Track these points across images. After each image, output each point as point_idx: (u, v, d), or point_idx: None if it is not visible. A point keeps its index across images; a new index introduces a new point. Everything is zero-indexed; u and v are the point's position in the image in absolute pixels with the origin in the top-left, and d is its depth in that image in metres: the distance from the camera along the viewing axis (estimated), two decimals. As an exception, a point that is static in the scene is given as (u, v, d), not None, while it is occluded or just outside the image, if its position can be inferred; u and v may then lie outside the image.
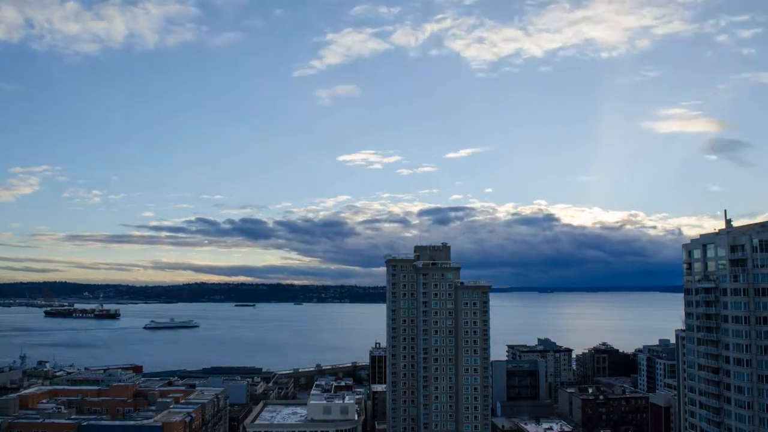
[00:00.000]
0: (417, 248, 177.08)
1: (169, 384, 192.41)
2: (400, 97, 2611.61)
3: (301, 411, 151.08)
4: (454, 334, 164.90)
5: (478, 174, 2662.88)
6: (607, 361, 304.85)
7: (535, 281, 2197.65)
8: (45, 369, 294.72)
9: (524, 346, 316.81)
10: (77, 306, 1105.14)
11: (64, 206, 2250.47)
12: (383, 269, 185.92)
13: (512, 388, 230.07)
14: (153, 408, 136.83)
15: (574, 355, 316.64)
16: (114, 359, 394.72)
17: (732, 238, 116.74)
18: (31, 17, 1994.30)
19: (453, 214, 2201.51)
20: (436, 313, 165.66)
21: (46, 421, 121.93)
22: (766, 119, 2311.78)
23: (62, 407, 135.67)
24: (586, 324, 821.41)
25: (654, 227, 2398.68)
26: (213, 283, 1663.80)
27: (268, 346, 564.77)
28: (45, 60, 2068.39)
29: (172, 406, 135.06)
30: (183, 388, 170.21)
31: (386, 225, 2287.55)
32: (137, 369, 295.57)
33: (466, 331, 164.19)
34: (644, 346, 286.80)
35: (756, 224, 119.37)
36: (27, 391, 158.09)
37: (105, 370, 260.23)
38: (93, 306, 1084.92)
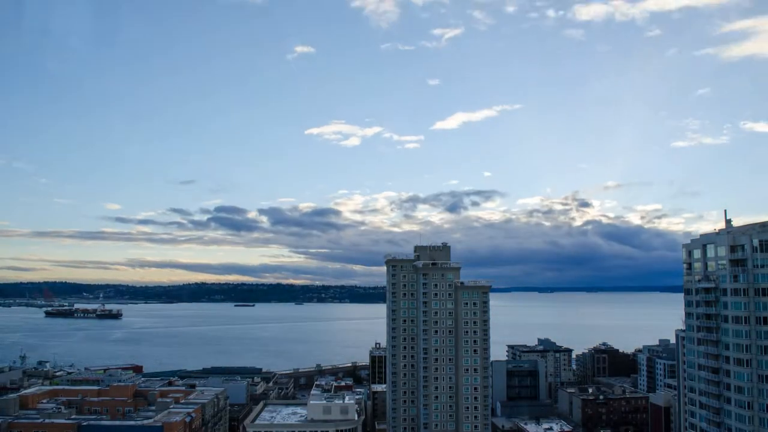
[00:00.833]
0: (417, 248, 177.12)
1: (169, 384, 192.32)
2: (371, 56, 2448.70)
3: (301, 411, 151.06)
4: (454, 334, 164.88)
5: (473, 151, 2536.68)
6: (607, 361, 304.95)
7: (534, 281, 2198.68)
8: (45, 369, 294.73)
9: (524, 346, 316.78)
10: (78, 306, 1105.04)
11: (17, 198, 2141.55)
12: (382, 268, 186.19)
13: (512, 388, 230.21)
14: (153, 408, 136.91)
15: (574, 355, 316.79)
16: (115, 359, 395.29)
17: (732, 238, 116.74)
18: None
19: (446, 215, 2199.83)
20: (436, 313, 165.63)
21: (46, 421, 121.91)
22: None
23: (62, 407, 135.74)
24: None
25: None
26: (213, 283, 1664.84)
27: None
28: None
29: (172, 406, 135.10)
30: (183, 388, 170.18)
31: (375, 219, 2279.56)
32: (137, 369, 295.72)
33: (466, 331, 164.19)
34: (644, 346, 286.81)
35: (756, 224, 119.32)
36: (27, 391, 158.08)
37: (105, 370, 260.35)
38: (93, 306, 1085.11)
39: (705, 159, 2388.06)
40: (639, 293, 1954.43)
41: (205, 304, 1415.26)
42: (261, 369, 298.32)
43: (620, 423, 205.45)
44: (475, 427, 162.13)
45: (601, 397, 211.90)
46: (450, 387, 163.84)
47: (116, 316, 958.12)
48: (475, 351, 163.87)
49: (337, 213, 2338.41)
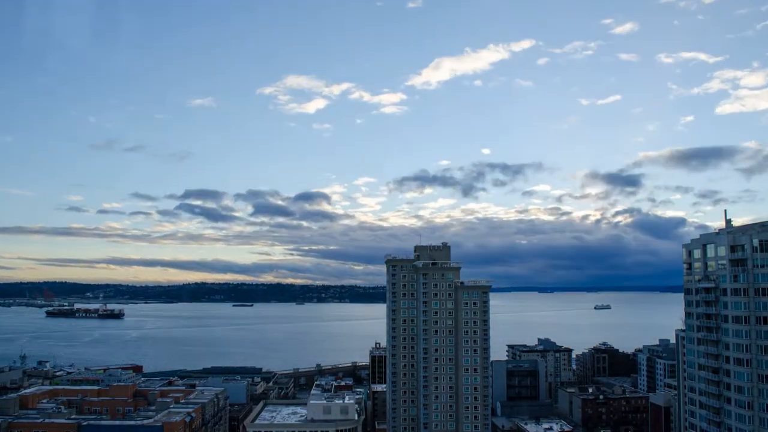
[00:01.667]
0: (417, 248, 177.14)
1: (169, 384, 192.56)
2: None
3: (301, 411, 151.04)
4: (454, 334, 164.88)
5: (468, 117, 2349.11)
6: (607, 361, 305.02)
7: (534, 281, 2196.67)
8: (45, 369, 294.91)
9: (524, 346, 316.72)
10: (78, 306, 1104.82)
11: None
12: (382, 267, 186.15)
13: (512, 388, 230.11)
14: (153, 408, 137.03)
15: (574, 355, 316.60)
16: (115, 359, 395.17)
17: (732, 237, 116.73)
18: None
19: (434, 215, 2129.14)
20: (436, 313, 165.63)
21: (46, 421, 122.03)
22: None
23: (62, 407, 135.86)
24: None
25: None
26: (213, 283, 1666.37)
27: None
28: None
29: (172, 406, 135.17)
30: (183, 388, 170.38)
31: (364, 208, 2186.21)
32: (137, 369, 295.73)
33: (466, 331, 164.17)
34: (644, 346, 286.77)
35: (756, 224, 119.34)
36: (27, 391, 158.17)
37: (105, 370, 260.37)
38: (94, 306, 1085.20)
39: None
40: (640, 293, 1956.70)
41: (205, 304, 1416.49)
42: (261, 369, 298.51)
43: (620, 423, 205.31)
44: (475, 427, 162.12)
45: (601, 397, 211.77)
46: (450, 387, 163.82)
47: (118, 316, 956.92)
48: (475, 351, 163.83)
49: (324, 197, 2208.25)
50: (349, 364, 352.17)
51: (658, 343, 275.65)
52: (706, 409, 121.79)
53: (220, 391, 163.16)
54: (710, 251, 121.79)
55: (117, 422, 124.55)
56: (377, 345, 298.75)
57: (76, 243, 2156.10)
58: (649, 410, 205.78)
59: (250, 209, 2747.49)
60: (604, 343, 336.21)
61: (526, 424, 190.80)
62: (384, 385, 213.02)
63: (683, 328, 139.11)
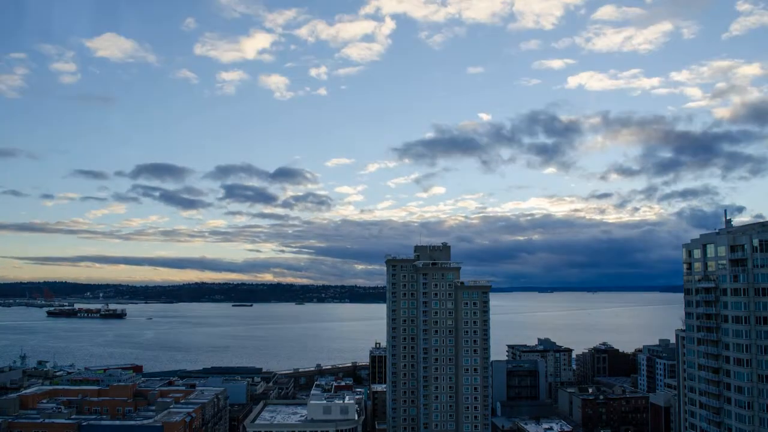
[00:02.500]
0: (417, 248, 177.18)
1: (169, 384, 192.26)
2: None
3: (301, 411, 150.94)
4: (454, 334, 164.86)
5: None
6: (607, 361, 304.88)
7: (532, 281, 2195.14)
8: (45, 369, 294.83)
9: (524, 346, 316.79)
10: (78, 306, 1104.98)
11: None
12: (381, 267, 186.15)
13: (512, 388, 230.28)
14: (153, 408, 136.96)
15: (574, 355, 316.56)
16: (115, 358, 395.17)
17: (732, 238, 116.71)
18: None
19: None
20: (436, 313, 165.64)
21: (46, 421, 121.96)
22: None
23: (62, 407, 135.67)
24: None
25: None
26: (213, 283, 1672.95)
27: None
28: None
29: (172, 406, 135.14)
30: (183, 388, 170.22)
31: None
32: (137, 369, 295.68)
33: (466, 331, 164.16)
34: (644, 346, 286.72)
35: (756, 224, 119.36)
36: (27, 391, 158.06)
37: (105, 370, 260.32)
38: (95, 306, 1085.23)
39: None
40: (640, 293, 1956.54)
41: (205, 304, 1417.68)
42: (261, 369, 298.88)
43: (620, 423, 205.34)
44: (475, 427, 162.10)
45: (601, 397, 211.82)
46: (450, 387, 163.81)
47: (121, 315, 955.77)
48: (475, 351, 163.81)
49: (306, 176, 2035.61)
50: (349, 364, 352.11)
51: (658, 343, 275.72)
52: (706, 409, 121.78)
53: (220, 391, 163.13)
54: (710, 251, 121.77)
55: (117, 422, 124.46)
56: (377, 345, 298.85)
57: (45, 239, 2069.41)
58: (649, 410, 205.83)
59: (221, 193, 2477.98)
60: (604, 343, 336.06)
61: (526, 424, 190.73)
62: (384, 385, 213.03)
63: (683, 328, 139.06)
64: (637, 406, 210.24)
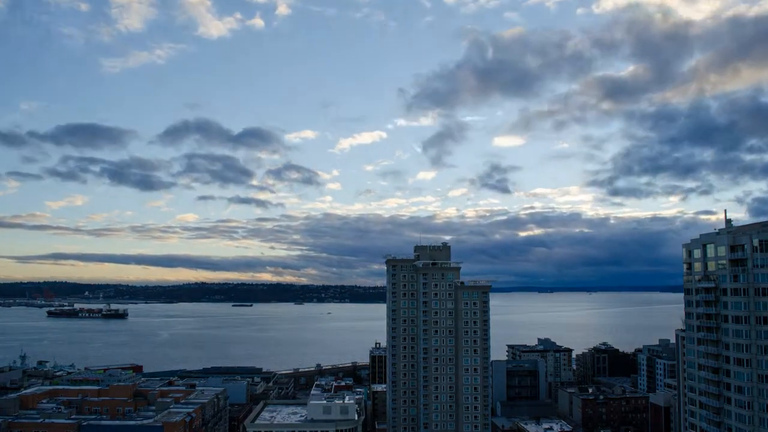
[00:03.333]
0: (417, 248, 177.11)
1: (169, 384, 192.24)
2: None
3: (301, 411, 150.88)
4: (454, 334, 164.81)
5: None
6: (607, 361, 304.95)
7: (533, 281, 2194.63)
8: (45, 369, 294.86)
9: (524, 346, 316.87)
10: (78, 306, 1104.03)
11: None
12: (381, 266, 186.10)
13: (512, 388, 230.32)
14: (153, 408, 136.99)
15: (574, 355, 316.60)
16: (115, 358, 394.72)
17: (732, 237, 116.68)
18: None
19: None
20: (436, 313, 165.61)
21: (46, 421, 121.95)
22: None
23: (62, 407, 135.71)
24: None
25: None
26: (213, 283, 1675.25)
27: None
28: None
29: (172, 406, 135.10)
30: (183, 388, 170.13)
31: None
32: (137, 369, 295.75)
33: (466, 331, 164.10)
34: (644, 346, 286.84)
35: (756, 224, 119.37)
36: (27, 391, 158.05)
37: (105, 369, 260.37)
38: (97, 306, 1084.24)
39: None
40: (641, 293, 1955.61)
41: (205, 304, 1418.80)
42: (261, 369, 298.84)
43: (620, 423, 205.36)
44: (475, 427, 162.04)
45: (601, 397, 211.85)
46: (450, 387, 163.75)
47: (122, 316, 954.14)
48: (475, 351, 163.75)
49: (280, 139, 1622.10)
50: (349, 364, 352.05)
51: (658, 343, 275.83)
52: (706, 409, 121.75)
53: (220, 391, 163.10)
54: (710, 251, 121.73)
55: (117, 422, 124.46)
56: (377, 345, 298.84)
57: (16, 236, 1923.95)
58: (649, 410, 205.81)
59: (179, 166, 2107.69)
60: (604, 343, 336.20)
61: (526, 424, 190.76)
62: (384, 385, 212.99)
63: (683, 328, 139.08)
64: (637, 406, 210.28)
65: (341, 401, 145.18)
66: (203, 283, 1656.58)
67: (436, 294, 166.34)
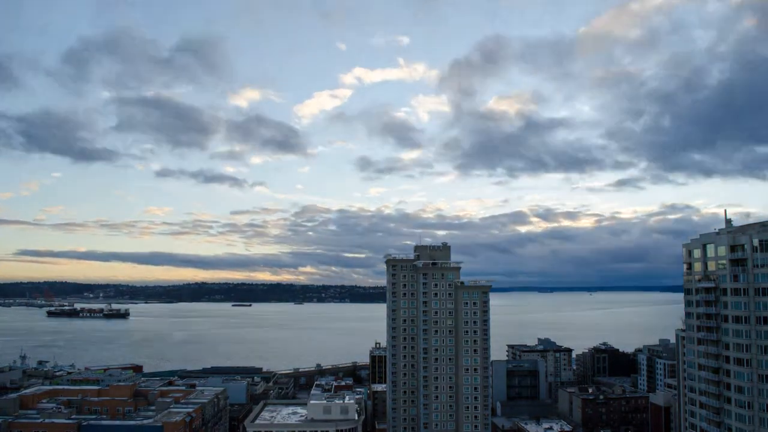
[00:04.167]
0: (417, 248, 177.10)
1: (169, 384, 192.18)
2: None
3: (301, 411, 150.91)
4: (454, 334, 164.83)
5: None
6: (607, 361, 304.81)
7: (531, 281, 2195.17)
8: (45, 369, 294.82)
9: (524, 346, 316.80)
10: (78, 305, 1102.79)
11: None
12: (381, 266, 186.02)
13: (512, 388, 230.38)
14: (153, 408, 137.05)
15: (574, 355, 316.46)
16: (115, 358, 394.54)
17: (732, 237, 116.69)
18: None
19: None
20: (436, 312, 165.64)
21: (46, 421, 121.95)
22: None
23: (62, 407, 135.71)
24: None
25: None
26: (213, 283, 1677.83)
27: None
28: None
29: (172, 406, 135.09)
30: (183, 388, 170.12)
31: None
32: (137, 369, 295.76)
33: (466, 331, 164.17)
34: (644, 346, 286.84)
35: (756, 224, 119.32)
36: (27, 391, 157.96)
37: (105, 369, 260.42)
38: (98, 306, 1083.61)
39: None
40: (641, 293, 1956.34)
41: (205, 303, 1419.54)
42: (261, 369, 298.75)
43: (620, 423, 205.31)
44: (475, 427, 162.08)
45: (601, 397, 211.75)
46: (450, 387, 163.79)
47: (124, 315, 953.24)
48: (475, 351, 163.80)
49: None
50: (349, 364, 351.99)
51: (658, 343, 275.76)
52: (706, 409, 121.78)
53: (220, 391, 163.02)
54: (710, 251, 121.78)
55: (117, 422, 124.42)
56: (377, 345, 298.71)
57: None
58: (649, 410, 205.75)
59: (110, 117, 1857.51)
60: (604, 343, 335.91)
61: (526, 424, 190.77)
62: (384, 385, 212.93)
63: (683, 328, 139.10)
64: (637, 406, 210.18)
65: (341, 401, 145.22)
66: (203, 283, 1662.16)
67: (436, 294, 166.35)
